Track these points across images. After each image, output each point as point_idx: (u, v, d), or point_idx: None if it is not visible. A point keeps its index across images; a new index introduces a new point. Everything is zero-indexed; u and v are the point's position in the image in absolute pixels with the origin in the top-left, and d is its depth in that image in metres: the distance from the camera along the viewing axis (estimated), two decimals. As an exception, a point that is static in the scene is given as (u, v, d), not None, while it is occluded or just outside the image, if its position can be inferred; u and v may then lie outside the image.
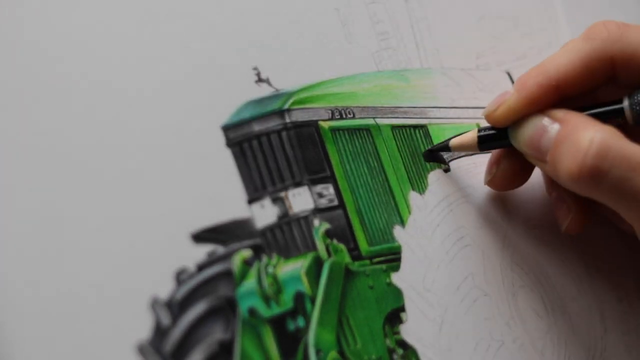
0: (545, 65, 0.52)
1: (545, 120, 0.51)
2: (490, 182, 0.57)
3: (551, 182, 0.56)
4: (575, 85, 0.52)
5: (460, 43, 0.62)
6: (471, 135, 0.55)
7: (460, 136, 0.55)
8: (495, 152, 0.56)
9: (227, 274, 0.47)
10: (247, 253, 0.48)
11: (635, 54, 0.51)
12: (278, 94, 0.52)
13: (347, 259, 0.51)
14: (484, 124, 0.54)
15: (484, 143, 0.54)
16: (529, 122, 0.51)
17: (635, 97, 0.50)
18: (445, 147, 0.56)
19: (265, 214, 0.49)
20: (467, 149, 0.55)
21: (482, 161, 0.59)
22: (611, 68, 0.52)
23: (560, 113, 0.51)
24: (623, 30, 0.52)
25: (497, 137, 0.54)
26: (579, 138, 0.48)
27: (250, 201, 0.49)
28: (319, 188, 0.51)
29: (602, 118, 0.50)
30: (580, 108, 0.52)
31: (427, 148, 0.57)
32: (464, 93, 0.61)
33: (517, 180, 0.57)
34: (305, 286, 0.49)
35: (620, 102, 0.51)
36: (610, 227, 0.61)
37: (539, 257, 0.59)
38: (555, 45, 0.67)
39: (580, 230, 0.56)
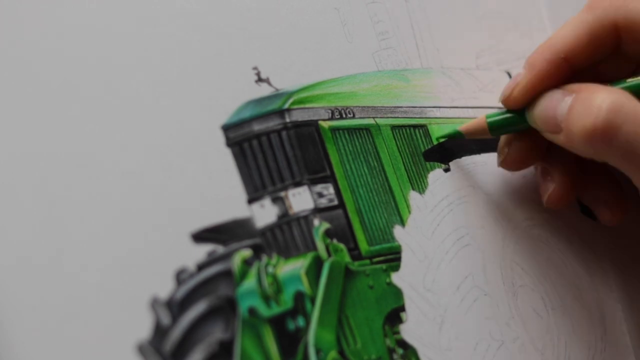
0: (551, 41, 0.53)
1: (560, 93, 0.52)
2: (502, 163, 0.57)
3: (537, 155, 0.56)
4: (582, 56, 0.53)
5: (460, 43, 0.62)
6: (480, 122, 0.55)
7: (470, 123, 0.56)
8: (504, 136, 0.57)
9: (227, 274, 0.47)
10: (247, 253, 0.48)
11: (639, 21, 0.52)
12: (278, 93, 0.52)
13: (347, 258, 0.51)
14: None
15: (495, 129, 0.55)
16: (544, 97, 0.52)
17: None
18: (456, 134, 0.56)
19: (265, 213, 0.49)
20: (479, 135, 0.56)
21: (482, 161, 0.59)
22: (616, 36, 0.52)
23: (574, 86, 0.52)
24: None
25: (508, 121, 0.54)
26: (593, 98, 0.49)
27: (250, 201, 0.49)
28: (319, 188, 0.51)
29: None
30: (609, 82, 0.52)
31: (437, 140, 0.58)
32: (464, 93, 0.61)
33: (528, 159, 0.57)
34: (305, 286, 0.49)
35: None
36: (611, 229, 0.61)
37: (539, 257, 0.59)
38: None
39: (560, 204, 0.56)
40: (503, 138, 0.57)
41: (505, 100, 0.54)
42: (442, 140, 0.58)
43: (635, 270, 0.64)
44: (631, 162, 0.50)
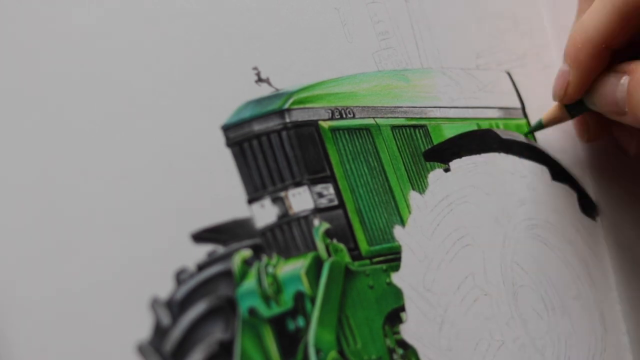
0: (586, 32, 0.54)
1: (613, 77, 0.53)
2: (588, 140, 0.61)
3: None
4: (620, 39, 0.54)
5: (460, 43, 0.62)
6: (558, 110, 0.58)
7: (549, 112, 0.59)
8: (578, 119, 0.60)
9: (227, 274, 0.47)
10: (247, 253, 0.48)
11: None
12: (278, 93, 0.52)
13: (347, 258, 0.51)
14: (484, 123, 0.54)
15: (572, 111, 0.58)
16: (599, 85, 0.55)
17: None
18: (538, 126, 0.61)
19: (265, 213, 0.49)
20: (559, 121, 0.59)
21: (482, 161, 0.59)
22: None
23: (624, 66, 0.53)
24: None
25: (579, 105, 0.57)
26: None
27: (250, 201, 0.49)
28: (319, 188, 0.51)
29: None
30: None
31: (526, 135, 0.62)
32: (464, 93, 0.61)
33: (604, 133, 0.60)
34: (305, 286, 0.49)
35: None
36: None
37: (539, 257, 0.59)
38: (554, 45, 0.67)
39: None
40: (579, 122, 0.60)
41: (561, 100, 0.57)
42: (527, 134, 0.62)
43: (636, 270, 0.64)
44: None
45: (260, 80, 0.51)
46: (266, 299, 0.48)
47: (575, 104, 0.57)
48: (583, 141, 0.62)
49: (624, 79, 0.52)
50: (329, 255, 0.50)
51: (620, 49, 0.54)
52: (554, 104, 0.59)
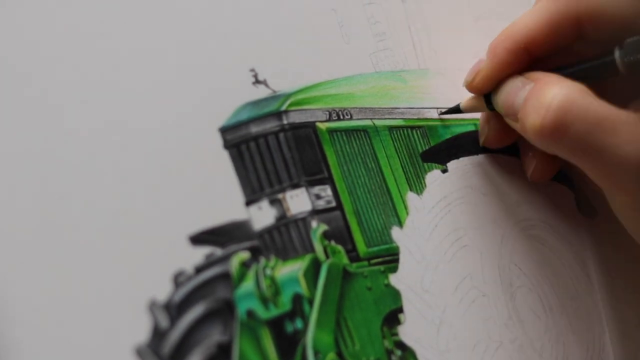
0: (513, 29, 0.54)
1: (520, 81, 0.52)
2: (484, 142, 0.58)
3: (514, 132, 0.56)
4: (542, 46, 0.53)
5: (458, 44, 0.62)
6: (476, 99, 0.56)
7: (468, 99, 0.57)
8: (483, 113, 0.58)
9: (225, 276, 0.47)
10: (245, 255, 0.48)
11: (601, 11, 0.51)
12: (275, 95, 0.52)
13: (345, 260, 0.51)
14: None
15: (489, 105, 0.56)
16: (506, 84, 0.53)
17: (626, 47, 0.50)
18: (455, 110, 0.58)
19: (263, 215, 0.49)
20: (476, 110, 0.57)
21: (480, 162, 0.59)
22: (578, 27, 0.52)
23: (535, 74, 0.52)
24: None
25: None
26: (544, 93, 0.49)
27: (248, 203, 0.49)
28: (316, 189, 0.51)
29: (589, 74, 0.51)
30: (572, 65, 0.52)
31: (439, 114, 0.59)
32: (461, 93, 0.61)
33: (507, 137, 0.57)
34: (303, 288, 0.49)
35: (607, 55, 0.51)
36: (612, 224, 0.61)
37: (536, 258, 0.59)
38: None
39: (544, 179, 0.58)
40: (482, 117, 0.57)
41: (468, 87, 0.55)
42: (443, 115, 0.59)
43: (635, 270, 0.64)
44: (582, 160, 0.50)
45: (257, 82, 0.51)
46: (264, 301, 0.48)
47: (489, 96, 0.55)
48: (529, 178, 0.59)
49: (528, 86, 0.51)
50: (327, 257, 0.50)
51: (542, 58, 0.53)
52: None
